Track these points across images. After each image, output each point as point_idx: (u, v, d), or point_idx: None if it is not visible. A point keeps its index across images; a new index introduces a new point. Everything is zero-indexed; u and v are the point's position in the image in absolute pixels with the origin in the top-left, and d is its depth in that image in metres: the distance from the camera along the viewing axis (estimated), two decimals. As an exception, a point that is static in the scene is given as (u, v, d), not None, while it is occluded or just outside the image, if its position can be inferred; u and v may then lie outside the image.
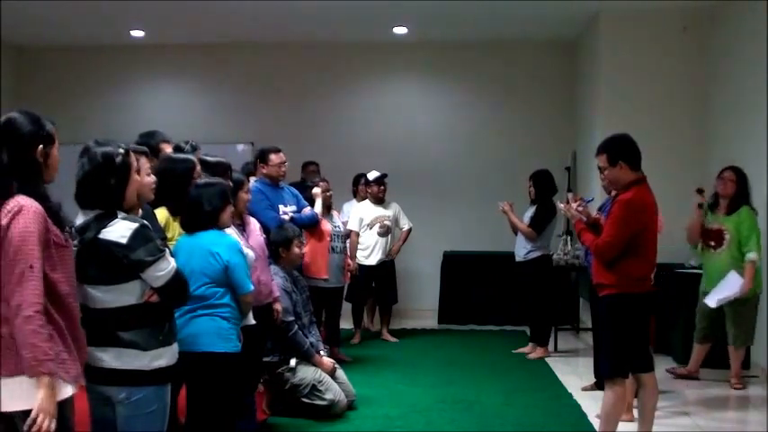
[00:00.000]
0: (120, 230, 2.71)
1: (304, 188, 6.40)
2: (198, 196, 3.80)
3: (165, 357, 2.83)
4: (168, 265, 2.79)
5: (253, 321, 4.28)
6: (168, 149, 4.36)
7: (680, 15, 7.85)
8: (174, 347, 2.91)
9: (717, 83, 7.63)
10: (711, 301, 5.82)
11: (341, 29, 8.93)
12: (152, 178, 3.27)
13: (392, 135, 9.49)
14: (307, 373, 5.12)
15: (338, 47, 9.49)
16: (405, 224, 7.85)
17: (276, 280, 5.01)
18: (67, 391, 2.46)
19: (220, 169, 4.32)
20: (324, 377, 5.16)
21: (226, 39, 9.27)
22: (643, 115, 7.77)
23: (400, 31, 9.00)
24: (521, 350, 7.25)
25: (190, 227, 3.81)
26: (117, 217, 2.74)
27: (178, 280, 2.84)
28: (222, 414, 3.83)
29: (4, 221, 2.39)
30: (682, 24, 7.88)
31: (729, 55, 7.38)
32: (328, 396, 5.10)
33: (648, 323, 4.09)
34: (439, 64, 9.58)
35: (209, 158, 4.43)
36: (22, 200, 2.43)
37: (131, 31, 9.05)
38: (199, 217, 3.78)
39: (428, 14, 8.28)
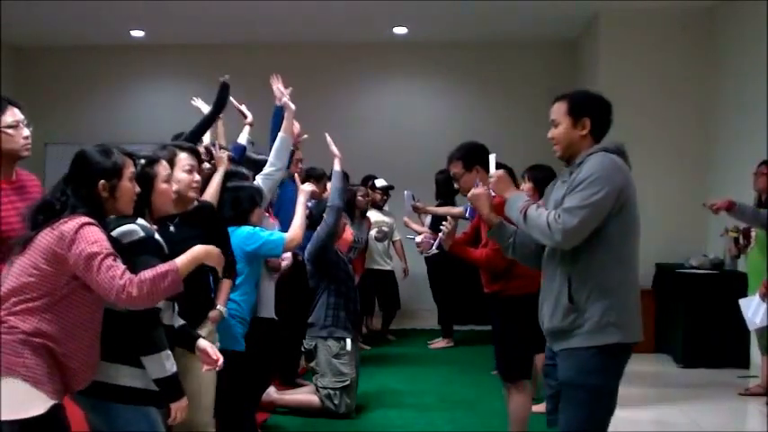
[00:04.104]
0: None
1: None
2: (226, 200, 3.83)
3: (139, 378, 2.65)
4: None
5: (272, 315, 4.27)
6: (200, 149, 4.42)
7: (680, 15, 7.85)
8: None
9: (717, 82, 7.63)
10: (750, 325, 5.47)
11: (341, 29, 8.93)
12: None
13: (392, 135, 9.50)
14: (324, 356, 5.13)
15: (338, 47, 9.49)
16: (397, 236, 7.98)
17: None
18: (45, 404, 2.40)
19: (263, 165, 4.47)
20: (351, 381, 5.14)
21: (226, 39, 9.27)
22: (643, 115, 7.76)
23: (400, 31, 9.00)
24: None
25: None
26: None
27: None
28: (220, 414, 3.82)
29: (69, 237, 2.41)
30: (681, 24, 7.88)
31: (729, 55, 7.38)
32: (343, 402, 5.08)
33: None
34: (439, 64, 9.58)
35: (255, 156, 4.66)
36: (85, 219, 2.46)
37: (131, 31, 9.06)
38: (225, 219, 3.81)
39: (428, 14, 8.28)
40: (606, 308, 2.79)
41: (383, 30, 8.95)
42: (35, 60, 9.71)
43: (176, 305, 3.03)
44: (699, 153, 7.80)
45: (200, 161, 3.41)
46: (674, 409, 5.38)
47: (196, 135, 4.42)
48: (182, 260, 2.52)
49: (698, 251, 7.31)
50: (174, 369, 2.68)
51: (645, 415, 5.23)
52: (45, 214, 2.50)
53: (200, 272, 3.24)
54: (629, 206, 2.84)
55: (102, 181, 2.53)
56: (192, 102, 5.24)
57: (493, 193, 3.18)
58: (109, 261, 2.38)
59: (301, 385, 5.62)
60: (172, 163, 3.21)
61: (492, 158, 3.36)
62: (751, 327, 5.46)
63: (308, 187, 4.51)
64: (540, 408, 4.43)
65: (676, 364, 6.69)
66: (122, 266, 2.39)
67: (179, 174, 3.24)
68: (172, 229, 3.20)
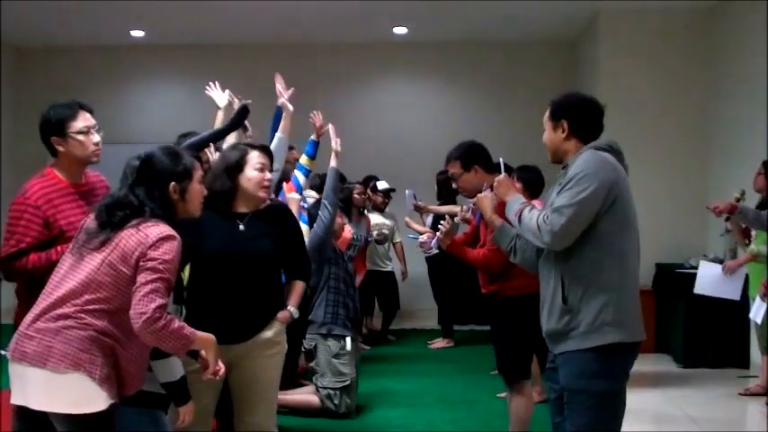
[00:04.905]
0: None
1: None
2: None
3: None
4: None
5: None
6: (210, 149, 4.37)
7: (680, 15, 7.85)
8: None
9: (717, 82, 7.63)
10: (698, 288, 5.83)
11: (341, 29, 8.93)
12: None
13: (392, 135, 9.51)
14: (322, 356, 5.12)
15: (338, 47, 9.50)
16: (397, 238, 7.94)
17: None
18: (105, 402, 2.41)
19: None
20: (351, 379, 5.14)
21: (226, 39, 9.27)
22: (643, 114, 7.77)
23: (400, 31, 9.00)
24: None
25: None
26: None
27: None
28: (220, 413, 3.82)
29: (151, 240, 2.41)
30: (682, 24, 7.89)
31: (730, 54, 7.38)
32: (343, 402, 5.09)
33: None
34: (439, 64, 9.58)
35: None
36: (172, 231, 2.46)
37: (131, 31, 9.06)
38: None
39: (428, 14, 8.29)
40: (601, 307, 2.74)
41: (383, 30, 8.96)
42: (35, 60, 9.71)
43: (183, 310, 3.03)
44: (699, 153, 7.80)
45: (272, 160, 3.39)
46: (674, 409, 5.38)
47: (205, 143, 4.36)
48: (200, 337, 2.49)
49: (698, 251, 7.31)
50: (182, 373, 2.71)
51: (645, 415, 5.23)
52: (124, 211, 2.47)
53: (272, 272, 3.28)
54: (621, 202, 2.77)
55: (174, 183, 2.54)
56: (207, 90, 5.10)
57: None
58: (160, 285, 2.37)
59: (301, 385, 5.62)
60: (243, 161, 3.22)
61: (500, 162, 3.42)
62: (697, 290, 5.82)
63: (295, 196, 4.52)
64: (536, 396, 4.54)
65: (676, 364, 6.69)
66: (165, 301, 2.37)
67: (250, 172, 3.22)
68: (241, 227, 3.20)
